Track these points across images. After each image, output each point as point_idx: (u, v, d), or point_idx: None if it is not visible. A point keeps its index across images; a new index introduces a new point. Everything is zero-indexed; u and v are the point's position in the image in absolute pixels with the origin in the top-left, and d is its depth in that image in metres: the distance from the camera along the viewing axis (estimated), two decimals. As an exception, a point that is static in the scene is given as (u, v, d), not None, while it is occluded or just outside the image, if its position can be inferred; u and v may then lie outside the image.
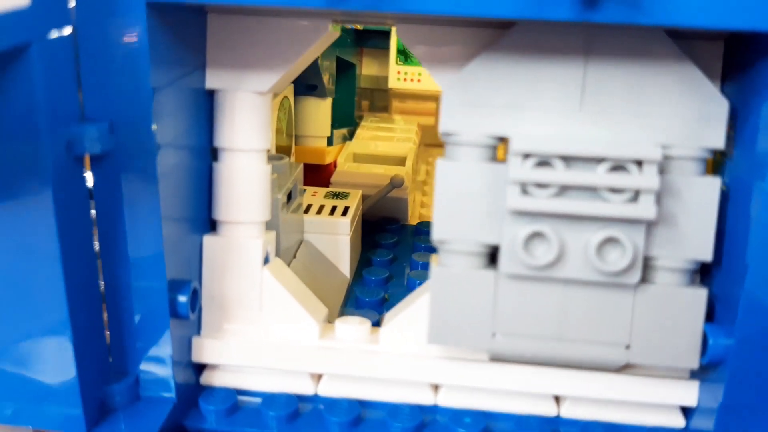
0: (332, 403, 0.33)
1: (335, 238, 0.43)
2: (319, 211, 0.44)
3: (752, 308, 0.28)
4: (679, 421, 0.33)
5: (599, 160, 0.28)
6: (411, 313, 0.33)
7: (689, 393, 0.32)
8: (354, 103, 0.59)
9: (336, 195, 0.47)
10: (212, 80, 0.33)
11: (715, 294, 0.30)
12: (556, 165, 0.28)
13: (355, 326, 0.34)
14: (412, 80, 0.64)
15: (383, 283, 0.45)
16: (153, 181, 0.29)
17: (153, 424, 0.30)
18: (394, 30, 0.64)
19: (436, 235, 0.30)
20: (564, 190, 0.29)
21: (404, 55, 0.63)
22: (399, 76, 0.64)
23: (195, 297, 0.32)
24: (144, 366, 0.32)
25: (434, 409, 0.34)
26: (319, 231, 0.43)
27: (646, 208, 0.28)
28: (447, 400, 0.34)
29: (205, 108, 0.33)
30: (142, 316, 0.31)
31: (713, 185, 0.29)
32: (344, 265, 0.44)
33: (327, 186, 0.51)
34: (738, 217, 0.29)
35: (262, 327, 0.34)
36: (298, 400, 0.34)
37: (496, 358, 0.32)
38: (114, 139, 0.28)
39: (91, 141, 0.27)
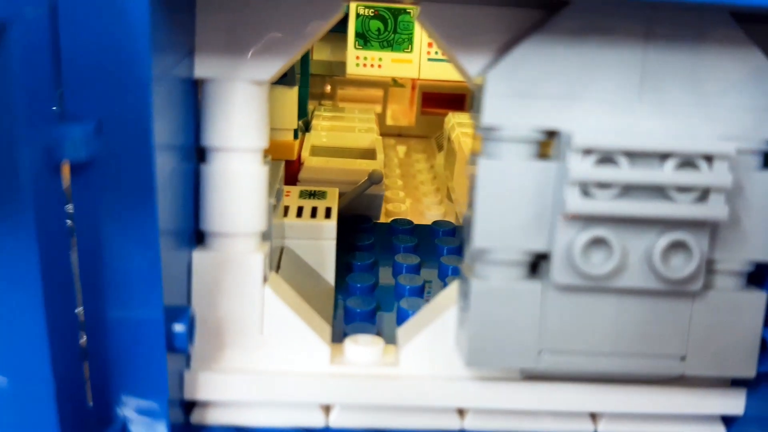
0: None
1: (320, 244, 0.39)
2: (299, 214, 0.40)
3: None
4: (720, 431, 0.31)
5: (665, 156, 0.26)
6: (435, 330, 0.30)
7: (735, 402, 0.30)
8: (308, 92, 0.54)
9: (312, 194, 0.42)
10: (203, 68, 0.28)
11: (770, 297, 0.28)
12: (621, 162, 0.25)
13: (368, 347, 0.30)
14: (372, 65, 0.59)
15: (370, 290, 0.41)
16: (150, 191, 0.24)
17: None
18: (353, 11, 0.59)
19: (478, 242, 0.27)
20: (627, 190, 0.26)
21: (363, 39, 0.59)
22: (358, 61, 0.59)
23: (193, 326, 0.27)
24: (132, 410, 0.26)
25: (461, 435, 0.30)
26: (302, 236, 0.39)
27: (717, 208, 0.26)
28: (475, 423, 0.30)
29: (193, 101, 0.28)
30: (131, 352, 0.25)
31: (774, 180, 0.27)
32: (329, 272, 0.39)
33: (294, 184, 0.46)
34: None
35: (264, 354, 0.30)
36: (310, 436, 0.29)
37: (535, 376, 0.29)
38: (101, 142, 0.23)
39: (74, 145, 0.22)
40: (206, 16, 0.27)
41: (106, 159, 0.23)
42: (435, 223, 0.49)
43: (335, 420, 0.30)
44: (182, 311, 0.26)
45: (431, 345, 0.30)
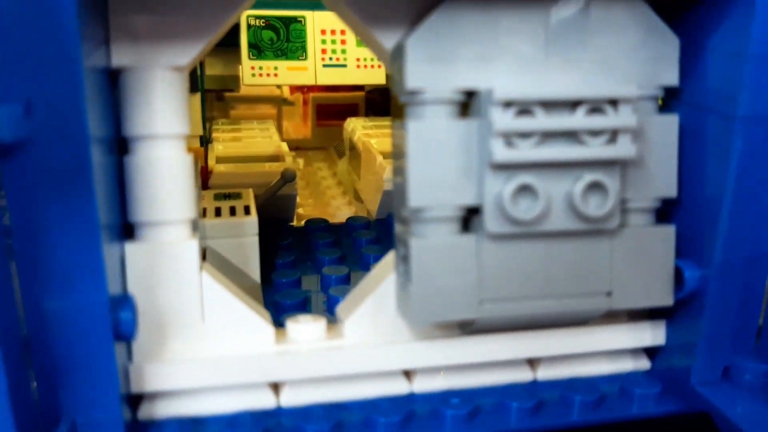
0: (305, 413, 0.29)
1: (243, 241, 0.39)
2: (218, 214, 0.39)
3: (729, 238, 0.29)
4: (645, 363, 0.33)
5: (575, 104, 0.28)
6: (375, 299, 0.30)
7: (657, 333, 0.32)
8: (205, 105, 0.54)
9: (227, 196, 0.42)
10: (120, 56, 0.27)
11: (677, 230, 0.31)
12: (537, 112, 0.27)
13: (310, 324, 0.31)
14: (268, 74, 0.60)
15: (297, 285, 0.41)
16: (87, 176, 0.23)
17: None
18: (244, 23, 0.59)
19: (414, 202, 0.28)
20: (544, 138, 0.27)
21: (257, 50, 0.59)
22: (254, 71, 0.59)
23: (136, 313, 0.26)
24: (81, 406, 0.25)
25: (414, 398, 0.31)
26: (224, 235, 0.38)
27: (625, 148, 0.28)
28: (424, 385, 0.31)
29: (110, 92, 0.28)
30: (76, 343, 0.25)
31: (672, 122, 0.30)
32: (254, 269, 0.39)
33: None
34: (693, 152, 0.30)
35: (208, 340, 0.29)
36: (265, 416, 0.29)
37: (477, 329, 0.30)
38: (31, 126, 0.22)
39: (4, 126, 0.21)
40: (120, 2, 0.27)
41: (37, 144, 0.23)
42: (350, 218, 0.50)
43: (286, 399, 0.30)
44: (124, 299, 0.26)
45: (374, 313, 0.31)
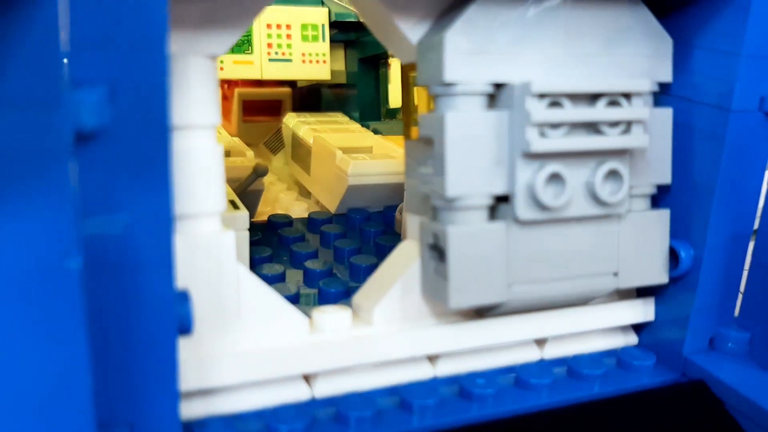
0: (343, 401, 0.30)
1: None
2: (205, 208, 0.38)
3: (719, 219, 0.32)
4: (634, 339, 0.36)
5: (594, 97, 0.30)
6: (403, 286, 0.31)
7: (647, 309, 0.35)
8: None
9: (205, 191, 0.41)
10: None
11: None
12: (565, 104, 0.29)
13: (340, 314, 0.31)
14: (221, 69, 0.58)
15: (281, 279, 0.41)
16: (164, 165, 0.23)
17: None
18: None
19: (451, 191, 0.29)
20: (571, 129, 0.29)
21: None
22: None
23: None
24: (139, 408, 0.24)
25: (440, 381, 0.32)
26: (215, 229, 0.37)
27: (639, 138, 0.30)
28: (446, 368, 0.32)
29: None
30: (141, 340, 0.24)
31: (667, 115, 0.32)
32: (244, 263, 0.39)
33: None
34: (684, 142, 0.33)
35: (244, 334, 0.29)
36: (306, 407, 0.29)
37: (499, 312, 0.32)
38: (113, 111, 0.21)
39: (88, 112, 0.21)
40: (163, -11, 0.26)
41: (116, 131, 0.22)
42: (312, 214, 0.50)
43: (319, 389, 0.30)
44: (183, 292, 0.25)
45: (401, 301, 0.31)
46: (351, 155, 0.49)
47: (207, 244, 0.28)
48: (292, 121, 0.60)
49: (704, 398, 0.32)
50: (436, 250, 0.30)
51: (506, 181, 0.30)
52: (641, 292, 0.36)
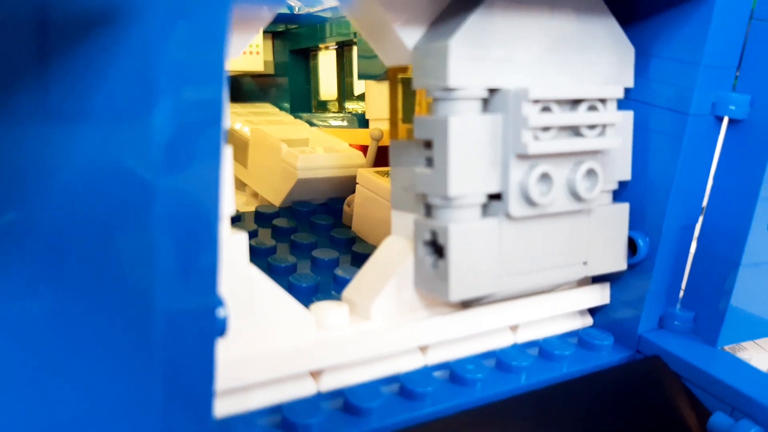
0: (354, 393, 0.31)
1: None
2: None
3: (673, 212, 0.36)
4: (589, 320, 0.39)
5: (575, 102, 0.32)
6: (398, 281, 0.33)
7: (604, 293, 0.39)
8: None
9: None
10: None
11: (628, 207, 0.37)
12: (554, 109, 0.31)
13: (339, 309, 0.32)
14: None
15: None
16: None
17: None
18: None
19: (453, 191, 0.30)
20: (558, 131, 0.32)
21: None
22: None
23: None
24: (175, 413, 0.24)
25: (434, 368, 0.34)
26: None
27: (613, 139, 0.33)
28: (435, 357, 0.34)
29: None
30: (184, 344, 0.24)
31: (629, 117, 0.36)
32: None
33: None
34: (642, 142, 0.36)
35: (258, 332, 0.29)
36: (318, 400, 0.30)
37: (484, 302, 0.34)
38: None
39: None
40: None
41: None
42: (260, 207, 0.50)
43: (325, 383, 0.31)
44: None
45: (396, 295, 0.33)
46: (298, 149, 0.50)
47: (222, 247, 0.28)
48: (222, 112, 0.59)
49: (662, 372, 0.36)
50: (433, 246, 0.32)
51: (499, 180, 0.32)
52: (596, 279, 0.39)
